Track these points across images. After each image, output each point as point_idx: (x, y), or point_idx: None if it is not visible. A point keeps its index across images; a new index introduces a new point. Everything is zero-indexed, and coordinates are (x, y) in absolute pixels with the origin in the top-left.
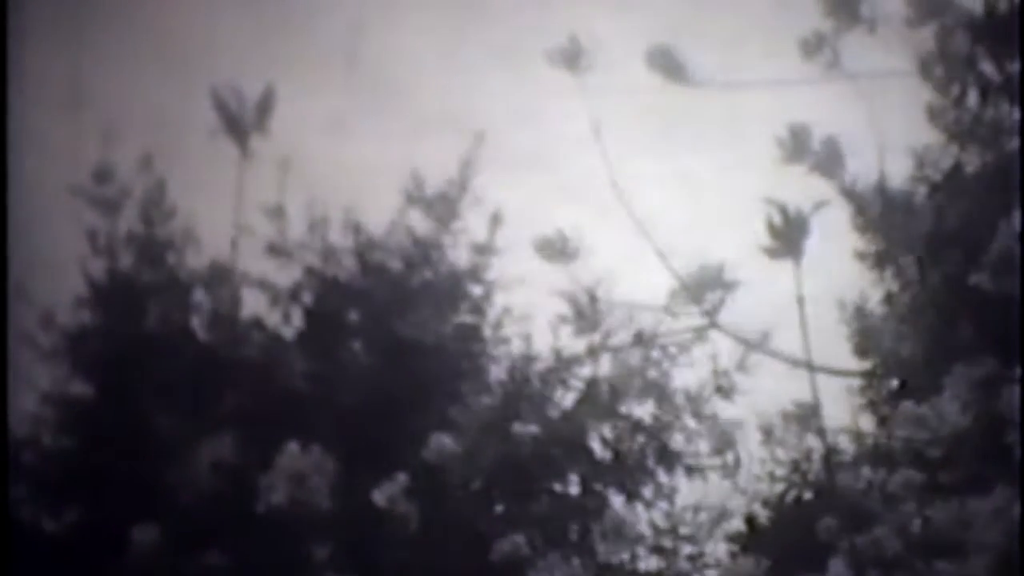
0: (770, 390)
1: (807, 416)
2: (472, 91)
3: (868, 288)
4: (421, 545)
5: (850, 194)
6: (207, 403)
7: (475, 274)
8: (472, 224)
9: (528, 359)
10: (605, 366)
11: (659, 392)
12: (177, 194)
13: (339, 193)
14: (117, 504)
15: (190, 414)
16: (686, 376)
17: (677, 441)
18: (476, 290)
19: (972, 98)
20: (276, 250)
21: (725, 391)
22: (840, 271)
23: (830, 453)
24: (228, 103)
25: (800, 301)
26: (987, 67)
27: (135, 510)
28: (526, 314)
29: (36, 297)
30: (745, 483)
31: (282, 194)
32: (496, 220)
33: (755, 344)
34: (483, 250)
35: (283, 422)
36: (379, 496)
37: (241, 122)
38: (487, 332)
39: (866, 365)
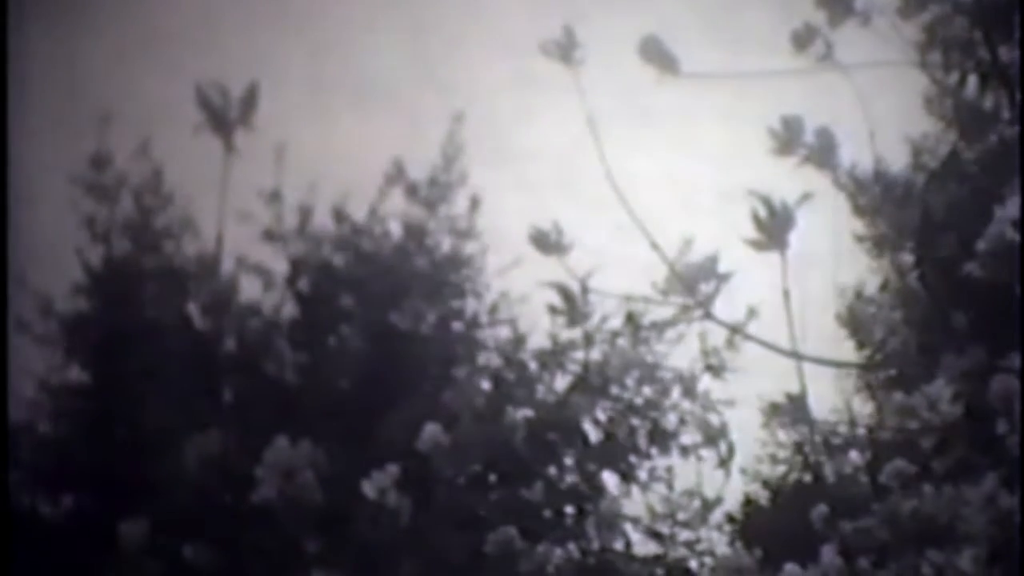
0: (766, 381)
1: (796, 408)
2: (468, 84)
3: (865, 277)
4: (413, 536)
5: (844, 184)
6: (200, 392)
7: (464, 260)
8: (460, 210)
9: (522, 343)
10: (598, 351)
11: (650, 373)
12: (174, 182)
13: (331, 183)
14: (110, 492)
15: (183, 404)
16: (677, 357)
17: (670, 422)
18: (467, 275)
19: (971, 84)
20: (271, 237)
21: (716, 370)
22: (836, 261)
23: (821, 442)
24: (212, 99)
25: (786, 294)
26: (985, 53)
27: (127, 499)
28: (523, 298)
29: (36, 285)
30: (745, 464)
31: (278, 181)
32: (475, 203)
33: (740, 327)
34: (465, 234)
35: (273, 413)
36: (369, 488)
37: (225, 118)
38: (483, 317)
39: (859, 355)
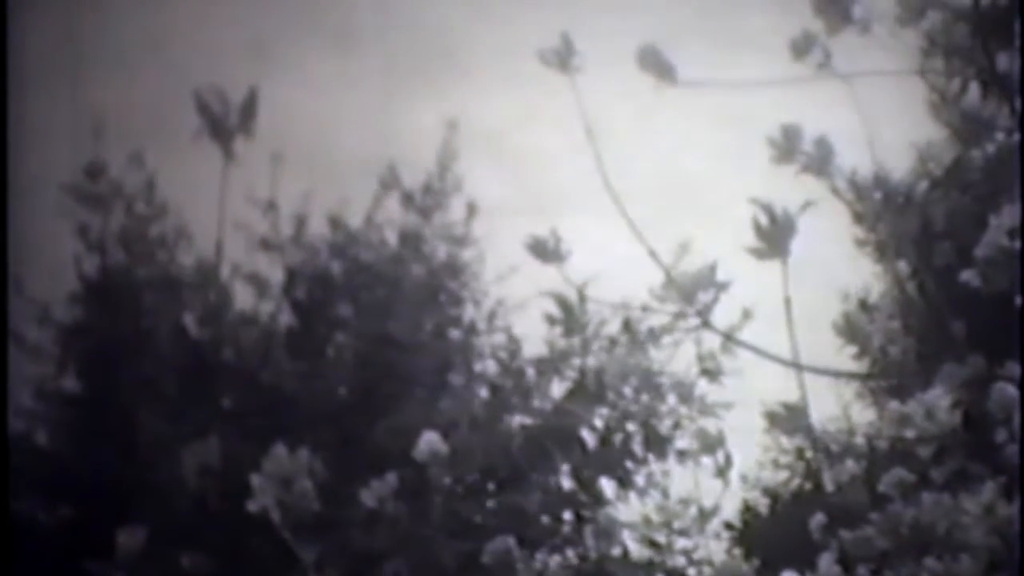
0: (768, 384)
1: (795, 417)
2: (465, 90)
3: (870, 283)
4: (410, 544)
5: (843, 192)
6: (197, 402)
7: (460, 267)
8: (456, 217)
9: (519, 351)
10: (595, 358)
11: (647, 379)
12: (170, 190)
13: (328, 191)
14: (107, 501)
15: (180, 413)
16: (673, 361)
17: (666, 427)
18: (464, 282)
19: (973, 92)
20: (268, 245)
21: (712, 374)
22: (836, 268)
23: (820, 451)
24: (211, 106)
25: (787, 302)
26: (986, 60)
27: (125, 508)
28: (520, 305)
29: (32, 293)
30: (746, 470)
31: (274, 190)
32: (472, 210)
33: (735, 333)
34: (461, 241)
35: (270, 422)
36: (368, 496)
37: (225, 125)
38: (481, 325)
39: (859, 363)
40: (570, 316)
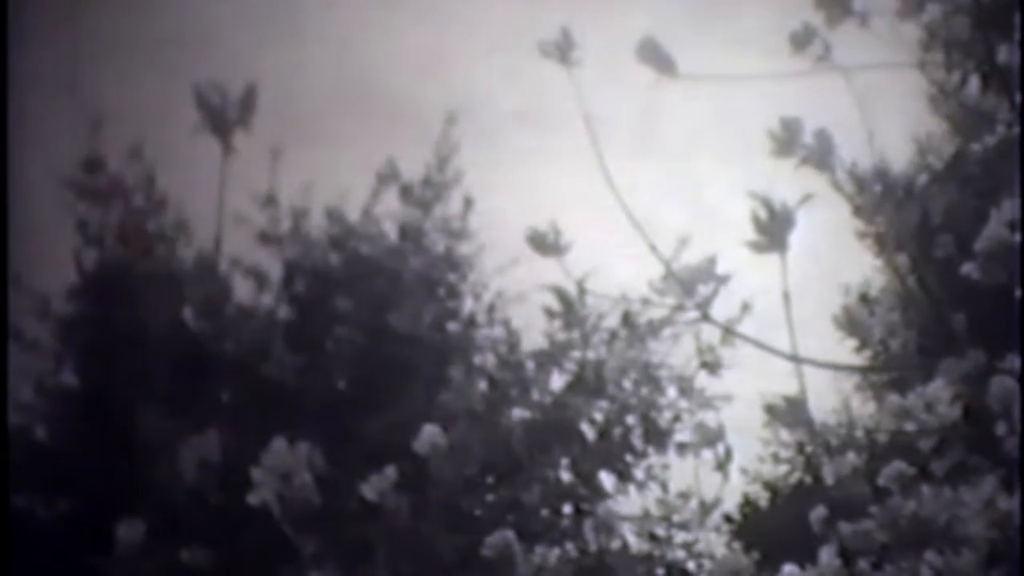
0: (767, 378)
1: (794, 411)
2: (465, 84)
3: (870, 276)
4: (410, 537)
5: (842, 185)
6: (196, 395)
7: (459, 260)
8: (455, 210)
9: (518, 344)
10: (595, 350)
11: (646, 372)
12: (169, 185)
13: (327, 184)
14: (106, 494)
15: (179, 407)
16: (673, 354)
17: (666, 419)
18: (463, 275)
19: (973, 85)
20: (267, 238)
21: (712, 366)
22: (836, 261)
23: (820, 444)
24: (210, 100)
25: (785, 296)
26: (986, 53)
27: (124, 501)
28: (520, 297)
29: (32, 287)
30: (746, 464)
31: (273, 184)
32: (468, 203)
33: (734, 326)
34: (458, 234)
35: (270, 415)
36: (368, 490)
37: (224, 119)
38: (481, 317)
39: (860, 356)
40: (569, 309)
